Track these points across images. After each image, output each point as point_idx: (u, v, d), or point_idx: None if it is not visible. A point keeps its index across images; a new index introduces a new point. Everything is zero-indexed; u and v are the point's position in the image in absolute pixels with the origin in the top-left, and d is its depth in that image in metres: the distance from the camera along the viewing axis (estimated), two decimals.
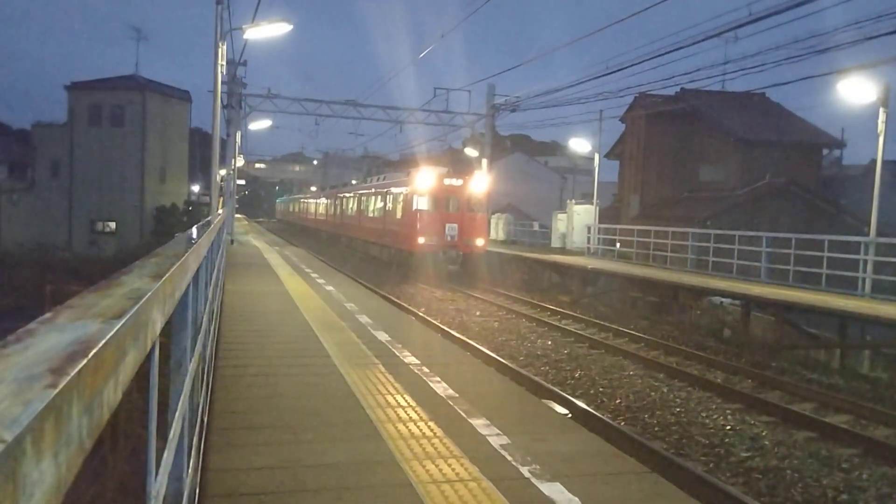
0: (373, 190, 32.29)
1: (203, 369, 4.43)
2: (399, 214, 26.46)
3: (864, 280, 15.78)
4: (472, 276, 24.35)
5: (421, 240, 23.96)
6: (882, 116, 16.07)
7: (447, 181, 24.97)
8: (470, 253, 24.78)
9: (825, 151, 35.88)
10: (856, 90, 16.37)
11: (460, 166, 32.56)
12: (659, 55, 19.16)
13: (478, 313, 18.02)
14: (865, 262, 15.81)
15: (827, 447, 8.51)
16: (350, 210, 37.39)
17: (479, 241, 25.03)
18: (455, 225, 24.47)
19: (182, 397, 2.64)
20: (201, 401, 4.34)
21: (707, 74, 23.13)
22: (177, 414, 2.48)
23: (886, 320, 12.61)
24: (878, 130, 16.15)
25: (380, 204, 29.99)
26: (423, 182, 24.51)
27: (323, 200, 48.85)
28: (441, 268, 23.89)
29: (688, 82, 23.69)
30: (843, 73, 16.92)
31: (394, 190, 27.72)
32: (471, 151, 37.62)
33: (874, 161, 17.01)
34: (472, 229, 24.76)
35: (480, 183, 25.54)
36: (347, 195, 38.82)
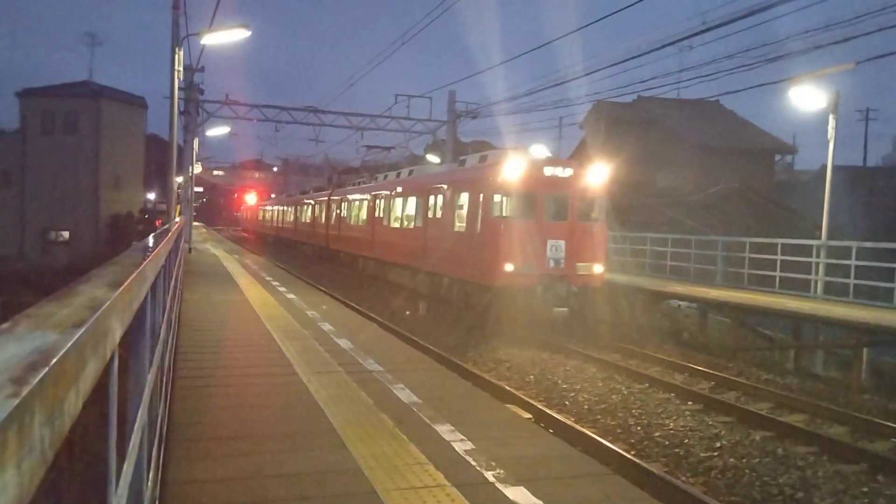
0: (403, 188, 22.60)
1: (162, 380, 4.36)
2: (464, 225, 16.89)
3: (816, 282, 16.21)
4: (586, 324, 15.76)
5: (508, 266, 14.92)
6: (832, 123, 16.55)
7: (549, 171, 15.93)
8: (584, 286, 15.70)
9: (777, 157, 36.84)
10: (806, 97, 16.82)
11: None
12: (615, 63, 19.49)
13: (438, 322, 18.03)
14: (817, 264, 16.25)
15: (783, 446, 8.71)
16: (357, 219, 27.92)
17: (597, 268, 15.98)
18: (561, 242, 15.58)
19: (141, 409, 2.60)
20: (160, 412, 4.27)
21: (663, 82, 23.69)
22: (136, 426, 2.43)
23: (838, 321, 13.00)
24: (829, 136, 16.62)
25: (422, 209, 20.02)
26: (512, 172, 15.34)
27: (311, 205, 38.18)
28: (542, 311, 15.16)
29: (644, 90, 24.12)
30: (794, 81, 17.38)
31: (452, 187, 18.05)
32: (433, 158, 37.71)
33: (825, 166, 17.49)
34: (587, 248, 15.89)
35: (598, 174, 16.40)
36: (357, 198, 28.38)
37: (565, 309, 15.41)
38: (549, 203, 15.81)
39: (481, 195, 16.06)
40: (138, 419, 2.50)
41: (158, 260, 3.35)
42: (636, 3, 14.94)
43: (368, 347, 8.69)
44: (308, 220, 38.61)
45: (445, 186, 18.42)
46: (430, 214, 19.23)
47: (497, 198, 15.65)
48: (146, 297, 2.65)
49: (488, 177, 16.10)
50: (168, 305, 5.72)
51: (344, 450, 4.78)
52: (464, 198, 17.17)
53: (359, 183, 30.60)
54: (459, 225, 17.19)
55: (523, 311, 14.86)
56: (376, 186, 26.04)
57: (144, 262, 2.35)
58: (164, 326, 4.49)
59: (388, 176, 26.25)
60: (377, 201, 24.92)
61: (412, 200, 21.32)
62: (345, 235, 29.76)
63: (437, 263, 18.17)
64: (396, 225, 22.60)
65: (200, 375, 6.87)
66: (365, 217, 26.58)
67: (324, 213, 34.42)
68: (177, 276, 9.45)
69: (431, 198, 19.21)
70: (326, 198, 34.13)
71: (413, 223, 20.98)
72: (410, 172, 23.94)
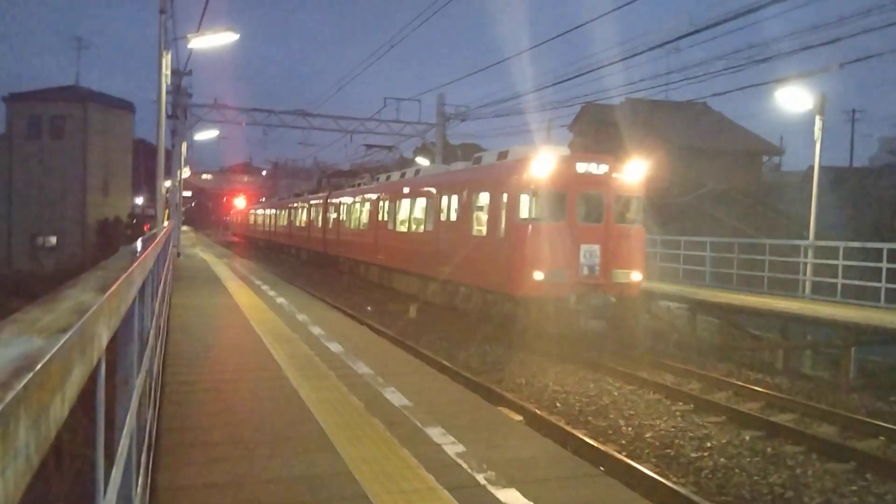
0: (411, 189, 21.06)
1: (150, 385, 4.33)
2: (484, 229, 15.57)
3: (804, 282, 16.31)
4: (623, 339, 14.27)
5: (537, 275, 13.60)
6: (818, 124, 16.66)
7: (582, 167, 14.40)
8: (621, 296, 14.25)
9: (765, 158, 37.08)
10: (793, 99, 16.95)
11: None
12: (604, 66, 19.57)
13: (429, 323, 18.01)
14: (805, 264, 16.36)
15: (773, 445, 8.75)
16: (359, 222, 26.46)
17: (636, 276, 14.56)
18: (596, 247, 14.17)
19: (129, 414, 2.58)
20: (149, 418, 4.24)
21: (651, 84, 23.71)
22: (124, 431, 2.42)
23: (826, 321, 13.09)
24: (815, 137, 16.75)
25: (433, 211, 18.64)
26: (540, 169, 13.93)
27: (306, 208, 36.90)
28: (575, 324, 13.70)
29: (633, 92, 24.23)
30: (781, 83, 17.49)
31: (470, 186, 16.63)
32: (422, 160, 37.76)
33: (812, 167, 17.61)
34: (624, 253, 14.42)
35: (635, 170, 14.67)
36: (358, 200, 26.95)
37: (602, 322, 13.89)
38: (581, 203, 14.38)
39: (505, 195, 14.60)
40: (127, 424, 2.48)
41: (146, 264, 3.33)
42: (629, 3, 14.97)
43: (359, 351, 8.67)
44: (303, 224, 37.31)
45: (461, 186, 17.03)
46: (443, 217, 17.89)
47: (524, 197, 14.15)
48: (134, 302, 2.64)
49: (513, 174, 14.57)
50: (157, 310, 5.69)
51: (334, 454, 4.76)
52: (484, 198, 15.71)
53: (358, 184, 29.30)
54: (478, 228, 15.85)
55: (553, 324, 13.42)
56: (379, 188, 24.51)
57: (132, 267, 2.33)
58: (152, 331, 4.47)
59: (391, 176, 24.94)
60: (381, 203, 23.41)
61: (422, 202, 19.90)
62: (344, 240, 28.29)
63: (451, 271, 16.60)
64: (404, 229, 21.16)
65: (190, 380, 6.84)
66: (367, 220, 25.15)
67: (320, 216, 32.92)
68: (165, 280, 9.41)
69: (444, 199, 17.84)
70: (323, 200, 32.71)
71: (423, 227, 19.55)
72: (417, 172, 22.58)
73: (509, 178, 14.73)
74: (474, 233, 15.94)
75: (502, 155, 16.32)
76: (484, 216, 15.62)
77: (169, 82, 22.92)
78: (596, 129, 34.19)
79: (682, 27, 16.95)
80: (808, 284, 16.21)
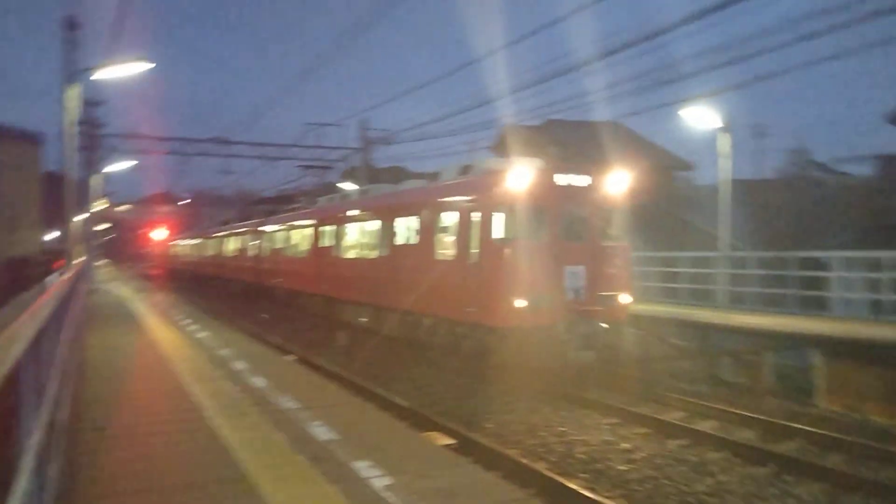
0: (359, 212, 19.40)
1: (54, 439, 4.10)
2: (451, 252, 13.88)
3: (719, 292, 16.92)
4: (617, 372, 12.94)
5: (519, 302, 12.06)
6: (726, 140, 17.40)
7: (560, 179, 13.09)
8: (610, 320, 12.92)
9: (678, 173, 38.50)
10: (699, 117, 17.65)
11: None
12: (521, 89, 19.96)
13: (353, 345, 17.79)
14: (720, 275, 16.98)
15: (697, 453, 8.98)
16: (297, 250, 24.63)
17: (624, 298, 13.35)
18: (580, 268, 12.84)
19: (23, 474, 2.43)
20: (55, 472, 4.01)
21: (567, 105, 24.09)
22: (15, 495, 2.27)
23: (742, 329, 13.63)
24: (724, 153, 17.47)
25: (387, 235, 16.82)
26: (516, 183, 12.40)
27: (235, 237, 35.06)
28: (563, 356, 12.22)
29: (552, 113, 24.73)
30: (689, 102, 18.16)
31: (431, 205, 14.88)
32: (348, 185, 37.50)
33: (722, 181, 18.32)
34: (611, 274, 13.18)
35: (619, 182, 13.76)
36: (296, 226, 25.09)
37: (592, 352, 12.49)
38: (563, 220, 13.02)
39: (475, 213, 13.00)
40: (20, 487, 2.33)
41: (40, 313, 3.16)
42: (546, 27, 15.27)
43: (284, 384, 8.47)
44: (233, 254, 35.31)
45: (420, 206, 15.23)
46: (399, 241, 16.16)
47: (498, 215, 12.60)
48: (23, 357, 2.49)
49: (485, 190, 12.96)
50: (63, 357, 5.42)
51: (256, 498, 4.61)
52: (449, 218, 14.04)
53: (295, 208, 27.48)
54: (443, 252, 14.09)
55: (537, 357, 11.98)
56: (321, 211, 22.69)
57: (16, 323, 2.20)
58: (55, 380, 4.24)
59: (333, 199, 23.49)
60: (324, 228, 21.55)
61: (372, 225, 17.97)
62: (282, 269, 26.15)
63: (412, 300, 14.80)
64: (352, 255, 19.35)
65: (103, 426, 6.52)
66: (308, 247, 23.07)
67: (251, 244, 31.02)
68: (77, 322, 9.00)
69: (400, 220, 16.15)
70: (255, 227, 30.82)
71: (376, 252, 17.48)
72: (365, 192, 21.04)
73: (481, 194, 13.09)
74: (438, 257, 14.25)
75: (465, 169, 14.85)
76: (450, 238, 14.01)
77: (79, 113, 22.11)
78: (518, 151, 34.77)
79: (594, 50, 17.43)
80: (723, 294, 16.81)
